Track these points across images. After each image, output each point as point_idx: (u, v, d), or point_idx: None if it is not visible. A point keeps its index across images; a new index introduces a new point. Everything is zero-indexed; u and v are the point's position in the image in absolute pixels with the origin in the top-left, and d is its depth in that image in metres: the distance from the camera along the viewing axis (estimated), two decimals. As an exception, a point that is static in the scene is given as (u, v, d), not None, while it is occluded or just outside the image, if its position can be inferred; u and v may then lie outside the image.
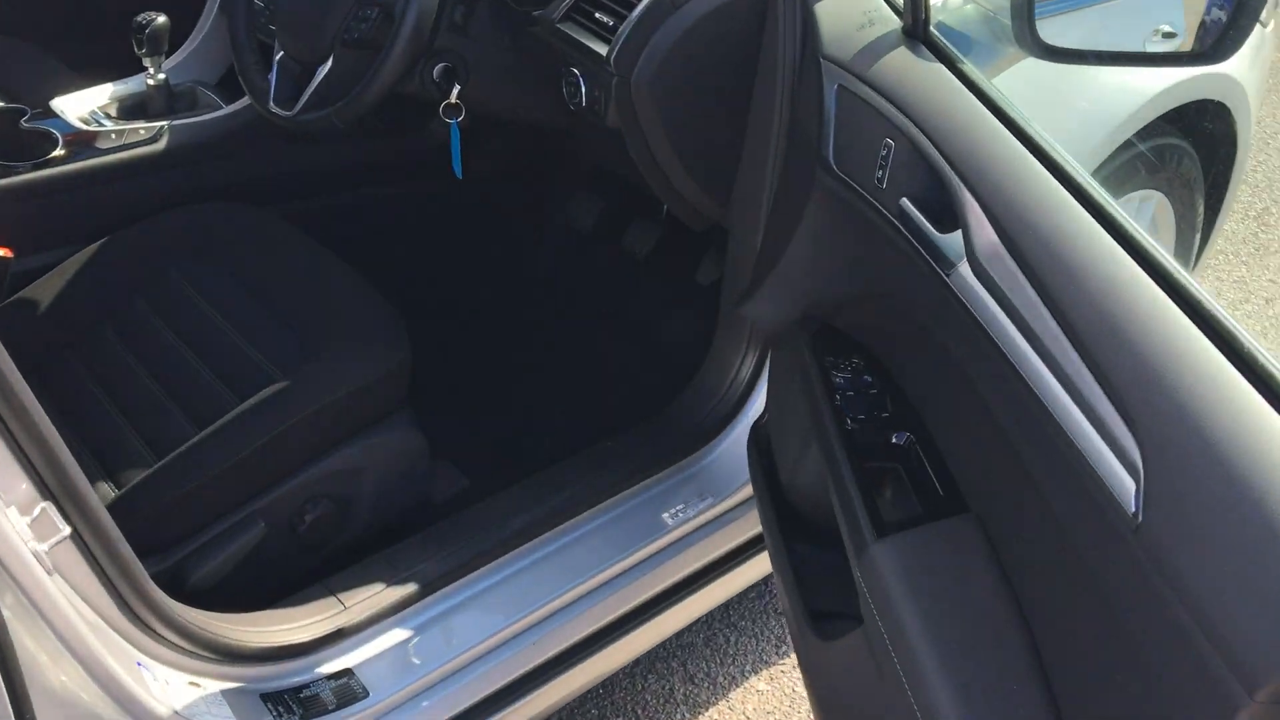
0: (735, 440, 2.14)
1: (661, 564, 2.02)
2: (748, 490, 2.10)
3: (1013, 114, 1.27)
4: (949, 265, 1.22)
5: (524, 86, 2.03)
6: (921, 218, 1.28)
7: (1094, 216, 1.10)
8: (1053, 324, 1.04)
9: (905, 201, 1.32)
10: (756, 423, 1.97)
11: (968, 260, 1.18)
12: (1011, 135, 1.23)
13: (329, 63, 1.85)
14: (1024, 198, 1.14)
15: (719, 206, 2.03)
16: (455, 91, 1.89)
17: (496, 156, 2.61)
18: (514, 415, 2.43)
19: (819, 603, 1.67)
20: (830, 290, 1.65)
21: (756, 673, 2.37)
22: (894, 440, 1.43)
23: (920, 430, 1.42)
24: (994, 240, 1.13)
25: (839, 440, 1.42)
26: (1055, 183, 1.15)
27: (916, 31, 1.46)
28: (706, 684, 2.34)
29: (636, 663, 2.32)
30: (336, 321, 1.95)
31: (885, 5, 1.56)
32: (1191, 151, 2.22)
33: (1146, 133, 2.03)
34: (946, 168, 1.24)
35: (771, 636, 2.43)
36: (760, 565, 2.20)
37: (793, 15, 1.68)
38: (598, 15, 1.82)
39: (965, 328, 1.19)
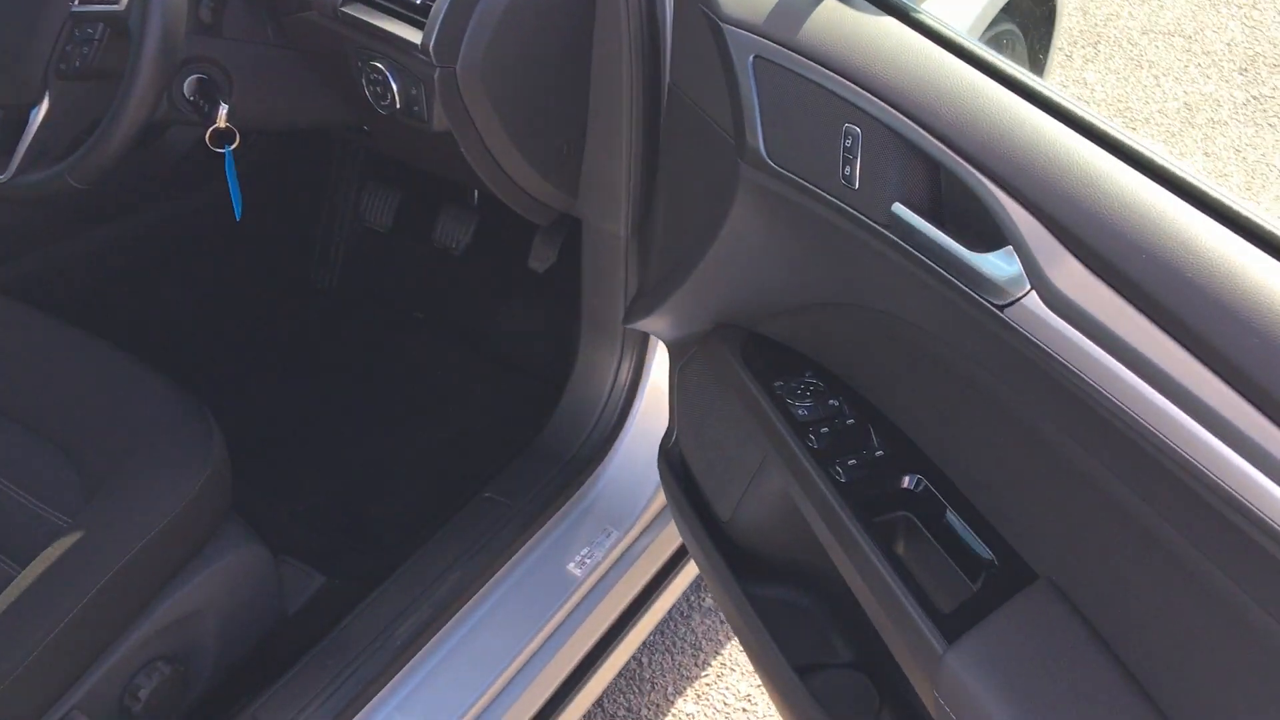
0: (625, 457, 1.85)
1: (583, 619, 1.72)
2: (653, 510, 1.82)
3: (1016, 75, 1.00)
4: (1000, 295, 0.94)
5: (307, 91, 1.61)
6: (936, 232, 1.00)
7: (1203, 208, 0.85)
8: (1204, 371, 0.79)
9: (901, 209, 1.03)
10: (664, 444, 1.67)
11: (1038, 294, 0.90)
12: (1031, 107, 0.96)
13: (44, 103, 1.38)
14: (1095, 197, 0.87)
15: (568, 197, 1.70)
16: (222, 112, 1.45)
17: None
18: (354, 479, 2.03)
19: (802, 655, 1.42)
20: (761, 299, 1.36)
21: (681, 693, 2.12)
22: (905, 485, 1.17)
23: (929, 470, 1.17)
24: (1080, 269, 0.87)
25: (836, 499, 1.15)
26: (1122, 167, 0.89)
27: (835, -29, 1.16)
28: (633, 723, 2.08)
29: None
30: (121, 430, 1.51)
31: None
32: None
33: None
34: (960, 164, 0.96)
35: (686, 647, 2.18)
36: (676, 587, 1.93)
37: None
38: (395, -9, 1.43)
39: (1033, 372, 0.93)
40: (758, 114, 1.17)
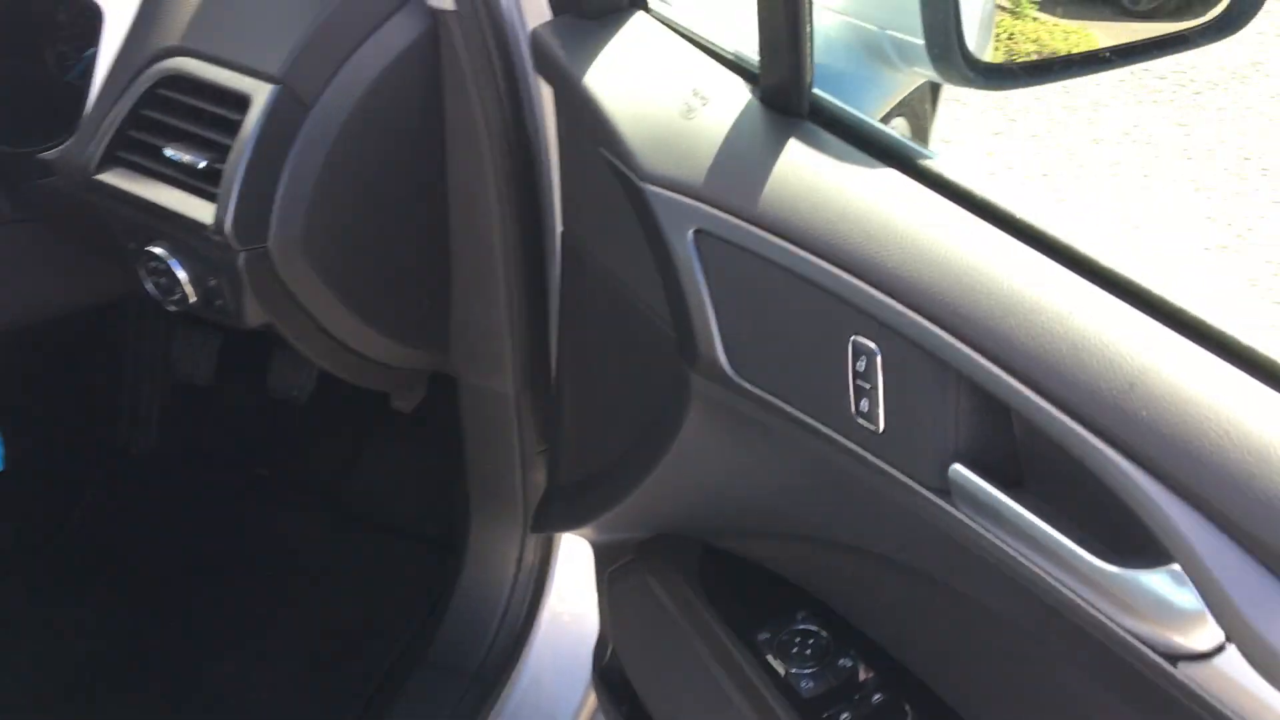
0: (540, 663, 1.50)
1: None
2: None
3: (1121, 272, 0.67)
4: (1172, 642, 0.61)
5: (66, 270, 1.19)
6: (1044, 528, 0.66)
7: None
8: None
9: (965, 475, 0.70)
10: (597, 658, 1.32)
11: (1239, 649, 0.58)
12: (1170, 331, 0.63)
13: None
14: None
15: (437, 355, 1.33)
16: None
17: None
18: None
19: None
20: (726, 519, 1.02)
21: None
22: None
23: None
24: None
25: None
26: None
27: (792, 101, 0.83)
28: None
29: None
30: None
31: (712, 60, 0.90)
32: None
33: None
34: (1071, 427, 0.63)
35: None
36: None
37: (491, 83, 1.01)
38: (169, 153, 1.03)
39: None
40: (711, 312, 0.83)
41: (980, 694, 0.87)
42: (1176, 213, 2.85)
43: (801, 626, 1.00)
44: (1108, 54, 0.90)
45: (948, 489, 0.71)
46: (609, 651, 1.31)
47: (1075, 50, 0.91)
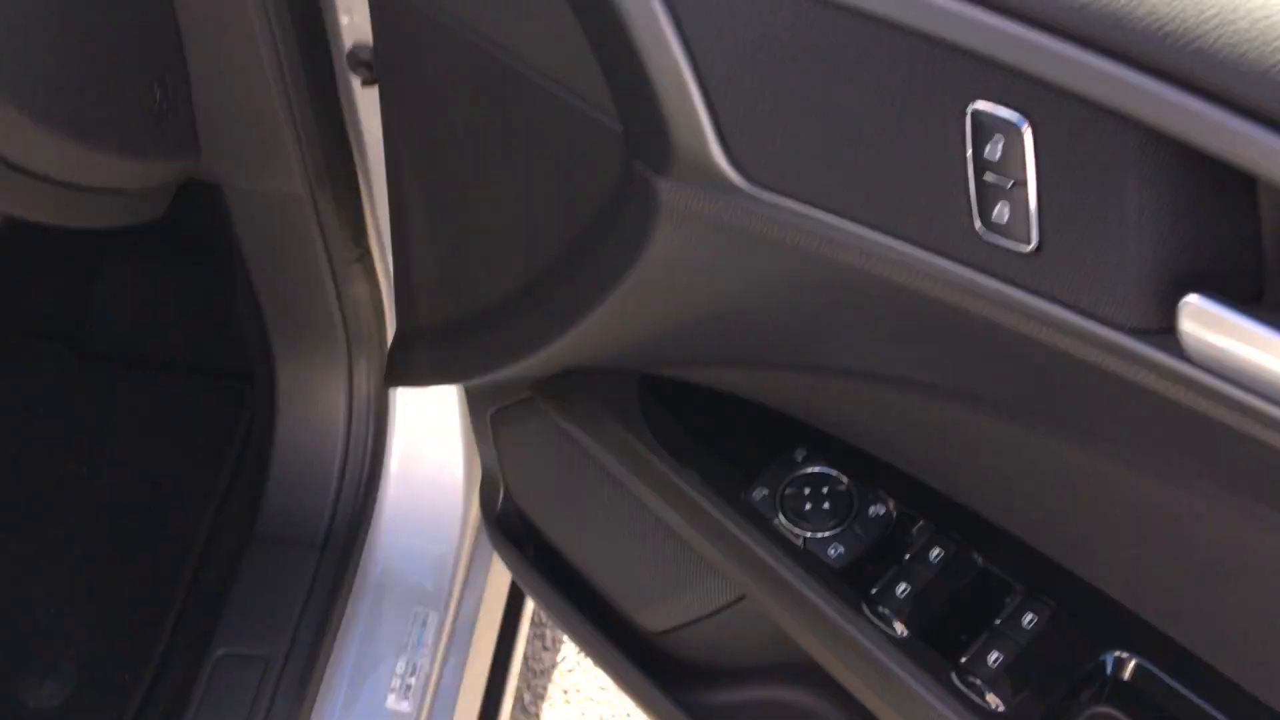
0: (399, 527, 1.23)
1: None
2: (461, 574, 1.25)
3: None
4: None
5: None
6: None
7: None
8: None
9: (1207, 307, 0.44)
10: (485, 503, 1.06)
11: None
12: None
13: None
14: None
15: (188, 158, 0.97)
16: None
17: None
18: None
19: None
20: (685, 353, 0.74)
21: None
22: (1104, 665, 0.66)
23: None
24: None
25: None
26: None
27: None
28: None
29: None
30: None
31: None
32: None
33: None
34: None
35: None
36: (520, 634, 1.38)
37: None
38: None
39: None
40: (694, 85, 0.51)
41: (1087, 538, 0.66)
42: None
43: (807, 470, 0.75)
44: None
45: (1166, 327, 0.45)
46: (502, 496, 1.04)
47: None
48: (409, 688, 1.15)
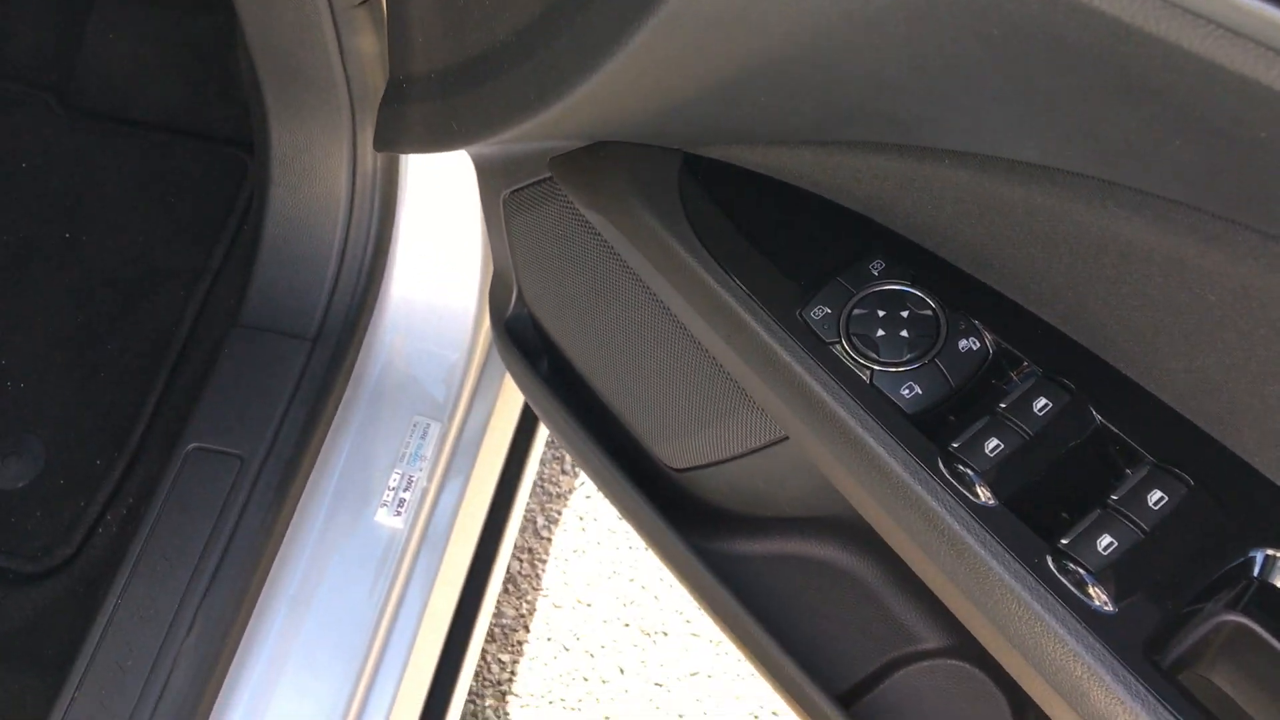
0: (401, 323, 1.10)
1: (426, 596, 1.05)
2: (470, 383, 1.12)
3: None
4: None
5: None
6: None
7: None
8: None
9: None
10: (495, 306, 0.91)
11: None
12: None
13: None
14: None
15: None
16: None
17: None
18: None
19: (857, 649, 0.83)
20: (736, 123, 0.57)
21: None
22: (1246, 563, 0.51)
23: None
24: None
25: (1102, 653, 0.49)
26: None
27: None
28: None
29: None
30: None
31: None
32: None
33: None
34: None
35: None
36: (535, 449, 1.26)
37: None
38: None
39: None
40: None
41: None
42: None
43: (884, 287, 0.59)
44: None
45: None
46: (514, 298, 0.89)
47: None
48: (402, 503, 1.03)
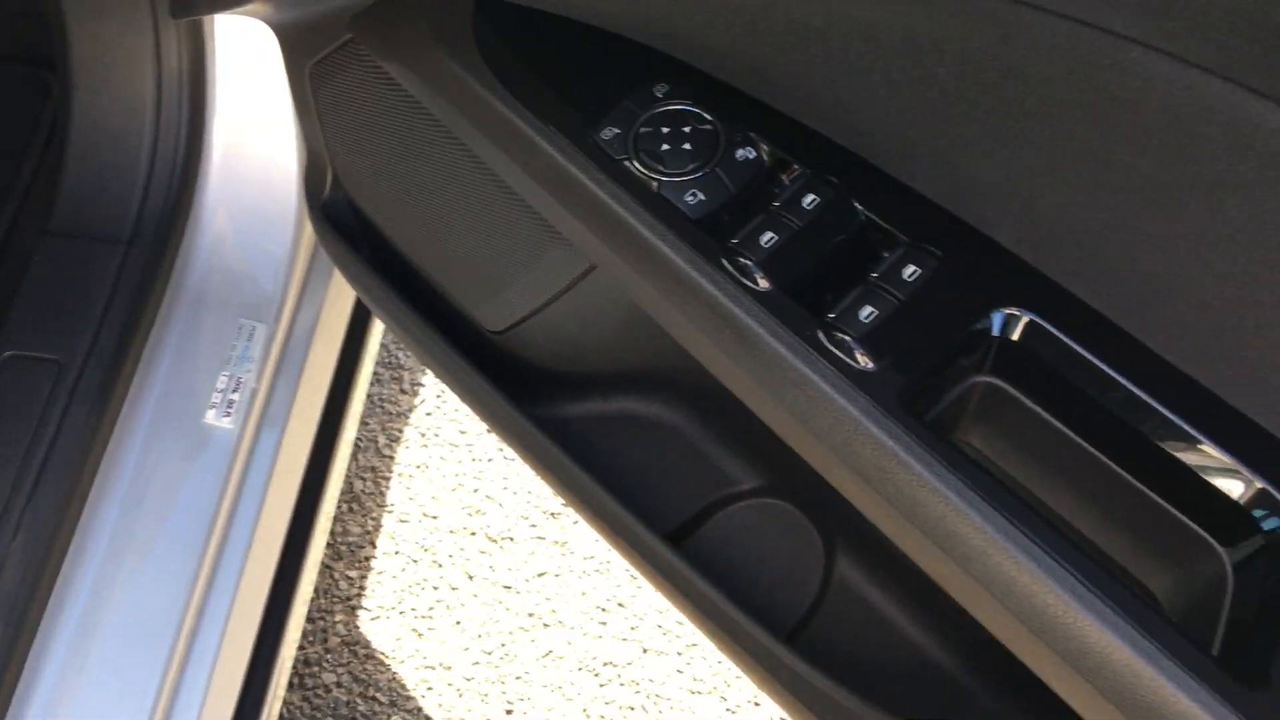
0: (214, 210, 1.10)
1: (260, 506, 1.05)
2: (296, 285, 1.13)
3: None
4: None
5: None
6: None
7: None
8: None
9: None
10: (311, 191, 0.92)
11: None
12: None
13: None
14: None
15: None
16: None
17: None
18: None
19: (678, 491, 0.88)
20: None
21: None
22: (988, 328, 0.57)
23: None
24: None
25: (890, 420, 0.54)
26: None
27: None
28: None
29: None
30: None
31: None
32: None
33: None
34: None
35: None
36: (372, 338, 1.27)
37: None
38: None
39: None
40: None
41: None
42: None
43: (668, 108, 0.63)
44: None
45: None
46: (329, 181, 0.90)
47: None
48: (231, 404, 1.03)
